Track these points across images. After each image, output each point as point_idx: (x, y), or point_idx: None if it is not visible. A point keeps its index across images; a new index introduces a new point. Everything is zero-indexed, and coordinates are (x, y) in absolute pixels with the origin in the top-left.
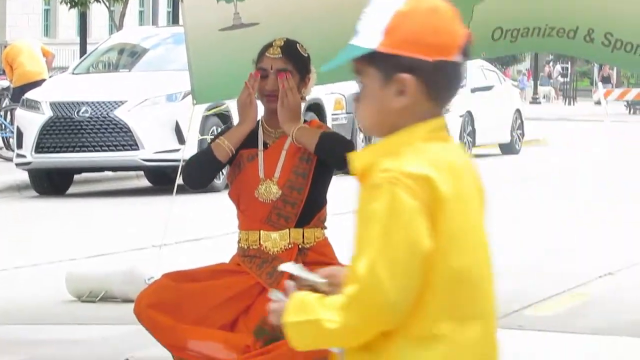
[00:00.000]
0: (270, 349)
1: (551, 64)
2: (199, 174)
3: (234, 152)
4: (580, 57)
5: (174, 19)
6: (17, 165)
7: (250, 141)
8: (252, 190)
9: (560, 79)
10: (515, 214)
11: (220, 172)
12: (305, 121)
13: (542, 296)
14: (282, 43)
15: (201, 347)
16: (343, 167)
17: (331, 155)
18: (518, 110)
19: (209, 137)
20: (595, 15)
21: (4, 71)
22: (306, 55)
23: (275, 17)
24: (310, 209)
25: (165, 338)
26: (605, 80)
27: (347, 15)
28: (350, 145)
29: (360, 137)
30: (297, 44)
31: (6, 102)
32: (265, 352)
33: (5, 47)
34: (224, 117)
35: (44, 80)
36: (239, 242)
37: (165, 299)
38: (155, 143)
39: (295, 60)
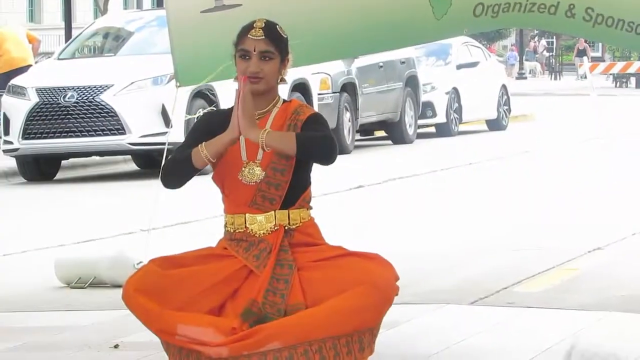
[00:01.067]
0: (256, 330)
1: (536, 38)
2: (174, 178)
3: (212, 161)
4: (562, 33)
5: (159, 2)
6: (4, 152)
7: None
8: (236, 173)
9: (546, 54)
10: (503, 191)
11: None
12: (284, 101)
13: (531, 272)
14: (263, 24)
15: (189, 331)
16: (329, 163)
17: (315, 153)
18: (504, 86)
19: (195, 117)
20: None
21: None
22: (285, 36)
23: (255, 1)
24: (295, 190)
25: (153, 323)
26: (581, 53)
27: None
28: (330, 141)
29: (346, 116)
30: (277, 26)
31: None
32: (252, 333)
33: None
34: (210, 99)
35: (29, 66)
36: (225, 225)
37: (152, 284)
38: (142, 127)
39: (277, 41)
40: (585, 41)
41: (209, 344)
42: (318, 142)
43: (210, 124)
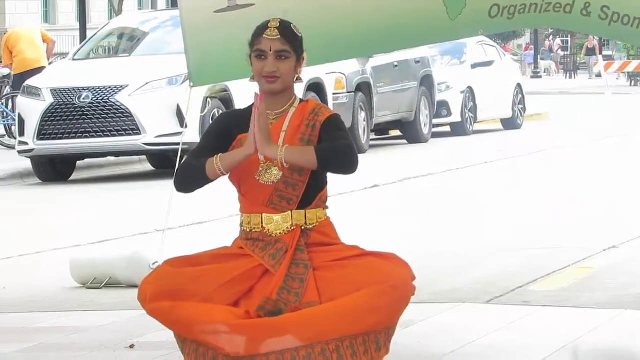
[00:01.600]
0: (273, 319)
1: (551, 37)
2: (187, 185)
3: (225, 174)
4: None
5: (173, 2)
6: (20, 152)
7: (249, 124)
8: (253, 173)
9: (561, 53)
10: (519, 190)
11: None
12: (301, 100)
13: (546, 271)
14: (278, 24)
15: (206, 330)
16: (350, 173)
17: (336, 165)
18: (519, 85)
19: (210, 120)
20: None
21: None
22: (300, 35)
23: (268, 0)
24: (312, 190)
25: (170, 322)
26: (590, 51)
27: None
28: (351, 151)
29: (361, 116)
30: (291, 25)
31: (7, 89)
32: (269, 320)
33: (5, 33)
34: (226, 101)
35: (43, 67)
36: (241, 225)
37: (168, 285)
38: (157, 127)
39: (292, 40)
40: (594, 39)
41: (226, 330)
42: (339, 154)
43: (226, 125)
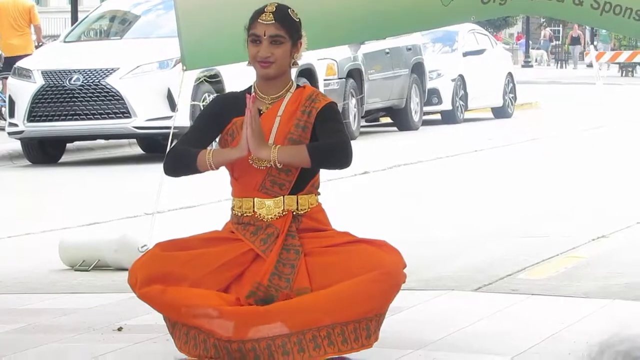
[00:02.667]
0: (264, 307)
1: (543, 26)
2: (175, 170)
3: (215, 169)
4: (570, 21)
5: None
6: (10, 134)
7: (243, 107)
8: (247, 157)
9: (552, 42)
10: (508, 178)
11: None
12: (298, 86)
13: (535, 260)
14: (274, 8)
15: (196, 313)
16: (345, 167)
17: (330, 164)
18: (510, 74)
19: (201, 104)
20: None
21: None
22: (297, 19)
23: None
24: (305, 176)
25: (160, 306)
26: (575, 41)
27: None
28: (344, 147)
29: (352, 102)
30: (289, 9)
31: None
32: (259, 308)
33: None
34: (217, 84)
35: (29, 54)
36: (232, 209)
37: (158, 269)
38: (148, 110)
39: (287, 25)
40: (579, 28)
41: (216, 315)
42: (332, 153)
43: (222, 107)
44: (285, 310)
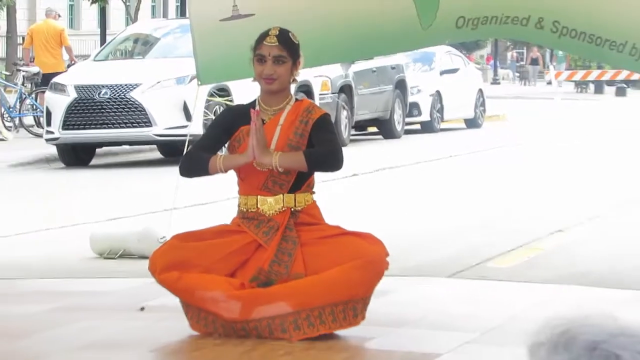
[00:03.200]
0: (266, 290)
1: (510, 48)
2: (189, 172)
3: (224, 172)
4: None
5: (182, 11)
6: (47, 140)
7: (249, 118)
8: (251, 162)
9: (517, 63)
10: (479, 180)
11: (225, 146)
12: (296, 99)
13: (501, 250)
14: (277, 32)
15: (206, 297)
16: (336, 170)
17: (324, 168)
18: (480, 90)
19: (212, 115)
20: (545, 6)
21: (32, 59)
22: (297, 42)
23: (268, 9)
24: (301, 177)
25: (176, 290)
26: (534, 62)
27: (332, 8)
28: (336, 154)
29: (343, 114)
30: (290, 33)
31: (32, 86)
32: (262, 290)
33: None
34: (227, 95)
35: (61, 72)
36: (239, 205)
37: (175, 258)
38: (166, 120)
39: (288, 47)
40: (538, 50)
41: (224, 298)
42: (325, 158)
43: (230, 118)
44: (284, 292)
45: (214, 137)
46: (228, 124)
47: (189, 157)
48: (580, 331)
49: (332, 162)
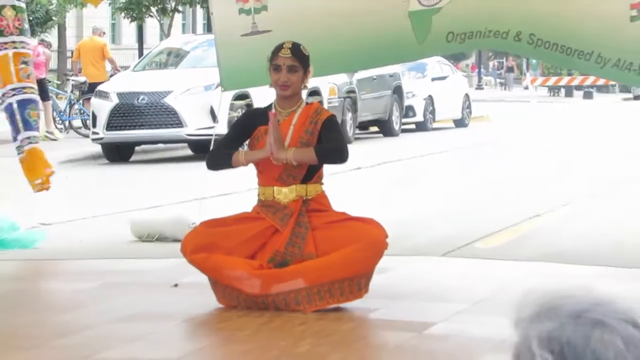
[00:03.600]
0: (282, 269)
1: (492, 58)
2: (215, 166)
3: (245, 165)
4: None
5: (209, 28)
6: (93, 140)
7: (266, 119)
8: (269, 156)
9: (497, 71)
10: (466, 171)
11: (246, 144)
12: (307, 103)
13: (487, 232)
14: (291, 45)
15: (231, 275)
16: (343, 163)
17: (331, 161)
18: (467, 94)
19: (235, 115)
20: (522, 21)
21: (80, 70)
22: (307, 54)
23: (283, 26)
24: (312, 170)
25: (205, 269)
26: (510, 69)
27: (339, 25)
28: (342, 150)
29: (348, 115)
30: (301, 46)
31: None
32: (278, 270)
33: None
34: (247, 104)
35: (104, 81)
36: (258, 195)
37: (203, 241)
38: (195, 122)
39: (300, 58)
40: (513, 60)
41: (246, 276)
42: (333, 153)
43: (249, 119)
44: (297, 271)
45: (235, 136)
46: (247, 125)
47: (214, 154)
48: (562, 302)
49: (339, 156)
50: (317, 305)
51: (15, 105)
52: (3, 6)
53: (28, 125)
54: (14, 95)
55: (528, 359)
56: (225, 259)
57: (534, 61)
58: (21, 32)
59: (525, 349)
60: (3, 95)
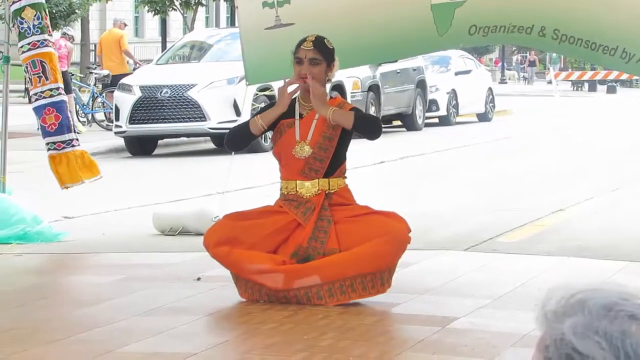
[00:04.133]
0: (302, 265)
1: (516, 52)
2: (236, 141)
3: (266, 128)
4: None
5: (232, 21)
6: (116, 133)
7: (289, 113)
8: (290, 149)
9: (521, 65)
10: (489, 166)
11: (266, 137)
12: (331, 97)
13: (510, 227)
14: (314, 38)
15: (253, 268)
16: (374, 138)
17: (365, 129)
18: (490, 89)
19: (259, 106)
20: (547, 16)
21: (100, 63)
22: (331, 47)
23: (306, 19)
24: (334, 164)
25: (227, 263)
26: (532, 64)
27: (361, 17)
28: (378, 122)
29: (372, 110)
30: (325, 39)
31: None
32: (299, 265)
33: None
34: (270, 97)
35: (126, 74)
36: (280, 189)
37: (226, 234)
38: (218, 115)
39: (323, 51)
40: (535, 54)
41: (268, 270)
42: (369, 122)
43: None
44: (319, 266)
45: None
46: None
47: (232, 130)
48: (590, 295)
49: (373, 127)
50: (339, 300)
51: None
52: (22, 8)
53: (45, 132)
54: (37, 99)
55: (563, 352)
56: (247, 253)
57: (554, 55)
58: (42, 31)
59: (559, 342)
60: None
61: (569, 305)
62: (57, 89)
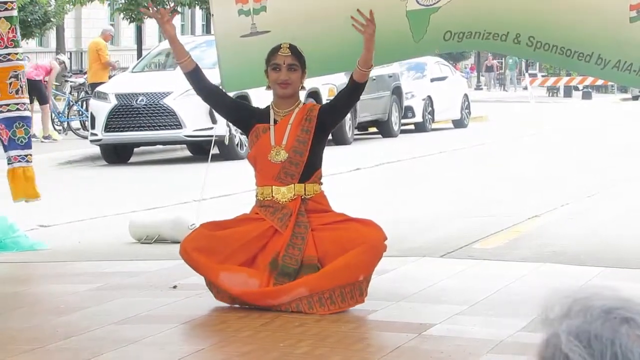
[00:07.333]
0: (287, 284)
1: (490, 59)
2: (195, 88)
3: (189, 57)
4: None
5: (207, 29)
6: (91, 141)
7: (264, 118)
8: (266, 154)
9: (496, 71)
10: (465, 172)
11: (242, 144)
12: (303, 104)
13: (485, 234)
14: (288, 45)
15: (229, 278)
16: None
17: (361, 87)
18: (466, 95)
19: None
20: (522, 23)
21: (80, 71)
22: (304, 55)
23: (282, 27)
24: (310, 169)
25: (202, 271)
26: (489, 69)
27: (337, 25)
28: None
29: (347, 116)
30: (297, 47)
31: (82, 94)
32: (283, 286)
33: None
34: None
35: (103, 82)
36: (256, 195)
37: (202, 243)
38: (194, 123)
39: (299, 58)
40: (493, 59)
41: (250, 289)
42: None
43: (250, 111)
44: (299, 283)
45: (230, 100)
46: (245, 109)
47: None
48: (592, 299)
49: (360, 91)
50: (318, 311)
51: (2, 125)
52: None
53: (13, 144)
54: (0, 112)
55: (558, 354)
56: (221, 267)
57: (510, 61)
58: (16, 44)
59: (554, 346)
60: None
61: (571, 309)
62: (22, 104)
